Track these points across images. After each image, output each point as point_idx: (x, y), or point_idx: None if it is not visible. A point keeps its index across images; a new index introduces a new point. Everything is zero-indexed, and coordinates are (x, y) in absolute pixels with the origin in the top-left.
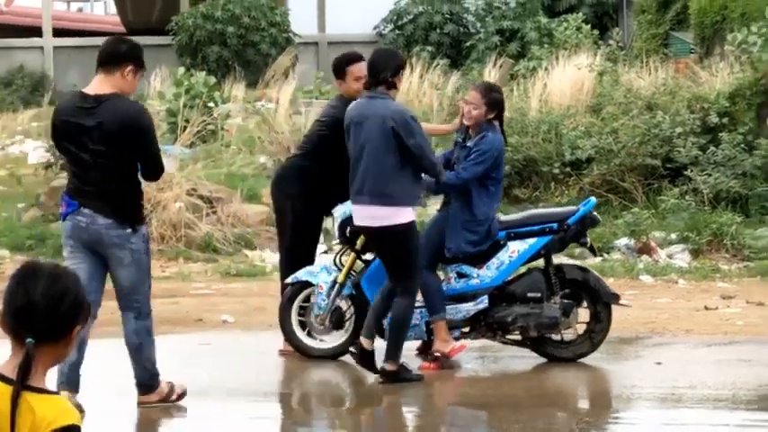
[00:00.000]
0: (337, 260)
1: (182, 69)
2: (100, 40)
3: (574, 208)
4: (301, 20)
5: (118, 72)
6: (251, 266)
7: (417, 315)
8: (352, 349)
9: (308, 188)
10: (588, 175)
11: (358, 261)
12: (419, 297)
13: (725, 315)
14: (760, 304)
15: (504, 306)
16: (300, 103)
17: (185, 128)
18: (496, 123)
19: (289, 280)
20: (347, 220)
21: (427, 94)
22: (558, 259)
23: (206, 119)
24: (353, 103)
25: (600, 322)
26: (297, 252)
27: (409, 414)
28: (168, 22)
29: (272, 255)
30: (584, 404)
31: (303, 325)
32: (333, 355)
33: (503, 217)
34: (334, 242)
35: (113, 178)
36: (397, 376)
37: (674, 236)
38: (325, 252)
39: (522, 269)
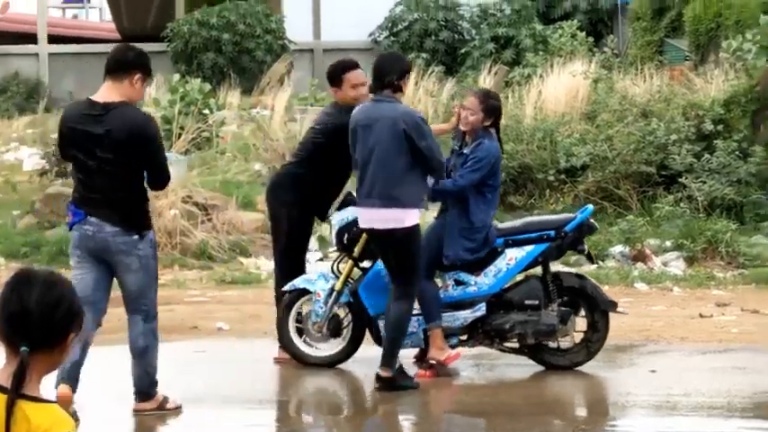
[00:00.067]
0: (335, 268)
1: (177, 76)
2: (95, 47)
3: (571, 215)
4: (296, 27)
5: (126, 80)
6: (246, 274)
7: (414, 323)
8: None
9: (302, 195)
10: (583, 183)
11: (355, 269)
12: (416, 305)
13: (720, 323)
14: (755, 312)
15: (502, 313)
16: (296, 110)
17: (180, 135)
18: (493, 131)
19: (286, 288)
20: (345, 228)
21: (422, 101)
22: (555, 267)
23: (201, 126)
24: (359, 107)
25: (597, 332)
26: (292, 258)
27: (405, 422)
28: (163, 29)
29: (267, 262)
30: (579, 412)
31: (300, 332)
32: (330, 363)
33: (500, 224)
34: (331, 249)
35: (120, 186)
36: (394, 383)
37: (668, 243)
38: (321, 260)
39: (520, 277)
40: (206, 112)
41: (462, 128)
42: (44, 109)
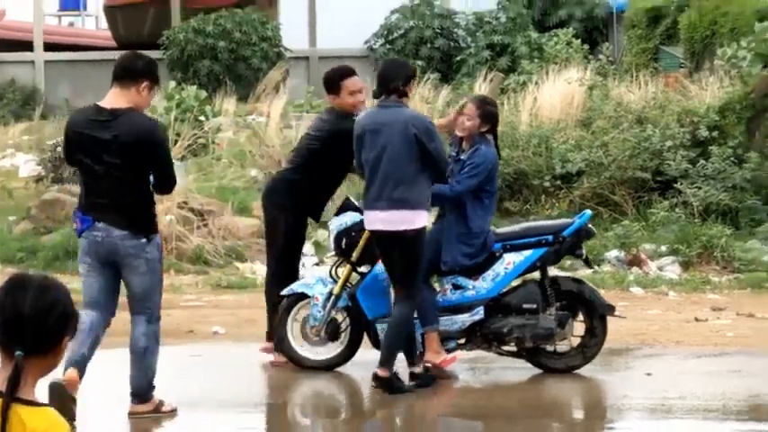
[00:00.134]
0: (333, 272)
1: (173, 83)
2: (91, 55)
3: (569, 220)
4: (292, 34)
5: (134, 87)
6: (242, 279)
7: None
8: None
9: (298, 201)
10: (578, 188)
11: (354, 273)
12: None
13: (715, 327)
14: (750, 316)
15: (500, 317)
16: (291, 117)
17: (176, 141)
18: (490, 137)
19: (285, 292)
20: (343, 233)
21: (418, 108)
22: (553, 271)
23: (197, 132)
24: (365, 113)
25: (594, 337)
26: (286, 263)
27: (402, 426)
28: (159, 37)
29: (262, 267)
30: (575, 415)
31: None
32: (328, 367)
33: (498, 229)
34: (329, 254)
35: (128, 191)
36: (391, 384)
37: (664, 248)
38: (317, 264)
39: (518, 281)
40: (202, 118)
41: (459, 134)
42: (40, 116)
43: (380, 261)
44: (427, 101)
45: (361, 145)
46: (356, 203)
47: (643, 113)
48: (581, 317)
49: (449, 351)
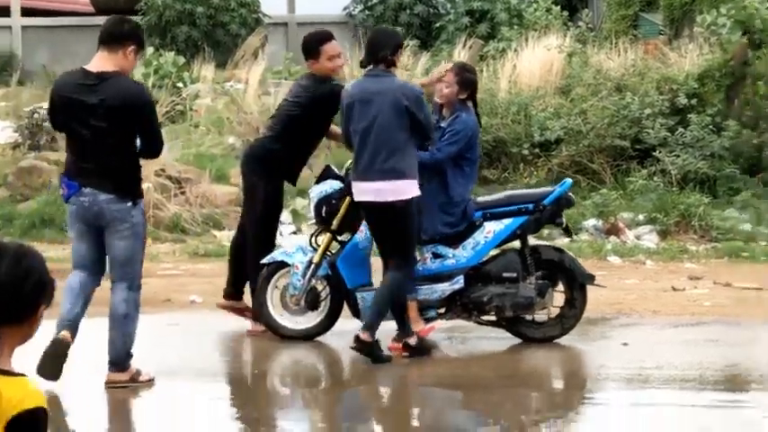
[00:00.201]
0: (313, 241)
1: (151, 49)
2: (68, 20)
3: (549, 189)
4: (271, 0)
5: (120, 51)
6: (219, 247)
7: None
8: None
9: (277, 168)
10: (557, 157)
11: (334, 242)
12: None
13: (692, 296)
14: (727, 285)
15: (480, 286)
16: (269, 83)
17: None
18: (470, 104)
19: (265, 260)
20: (323, 201)
21: (397, 75)
22: (533, 240)
23: (175, 99)
24: (353, 82)
25: (573, 308)
26: (266, 228)
27: (381, 395)
28: (137, 3)
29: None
30: (551, 385)
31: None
32: (307, 336)
33: (479, 198)
34: (310, 222)
35: (114, 155)
36: (371, 349)
37: (641, 217)
38: (294, 233)
39: (498, 250)
40: (180, 85)
41: (438, 100)
42: (17, 82)
43: (369, 232)
44: (406, 68)
45: (351, 115)
46: (337, 171)
47: (622, 81)
48: (561, 287)
49: (429, 320)
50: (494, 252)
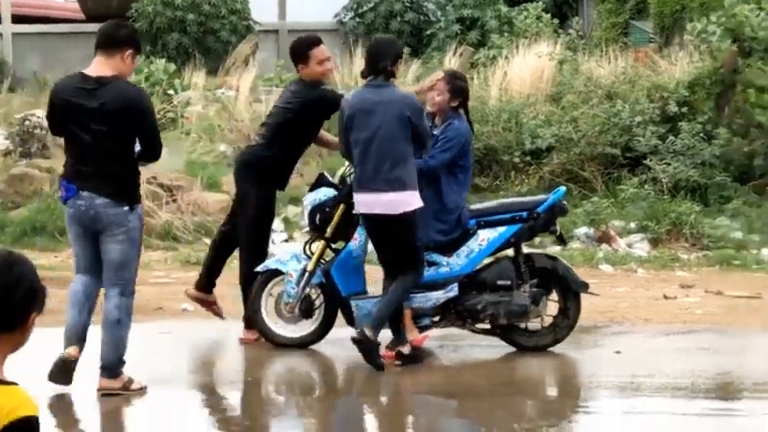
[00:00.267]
0: (307, 248)
1: (141, 57)
2: (60, 27)
3: (543, 197)
4: (262, 8)
5: (118, 55)
6: None
7: None
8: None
9: (269, 176)
10: (548, 164)
11: (328, 250)
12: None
13: (684, 304)
14: (718, 293)
15: (474, 294)
16: (261, 90)
17: None
18: (462, 112)
19: (259, 268)
20: (317, 208)
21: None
22: (527, 248)
23: (166, 106)
24: (353, 93)
25: (567, 318)
26: (258, 236)
27: (374, 403)
28: (128, 9)
29: None
30: (544, 393)
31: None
32: (302, 344)
33: (473, 205)
34: (304, 230)
35: (113, 159)
36: (371, 347)
37: (633, 225)
38: (286, 241)
39: (492, 258)
40: (171, 92)
41: (430, 108)
42: (8, 89)
43: (372, 241)
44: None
45: (351, 125)
46: (330, 179)
47: (613, 88)
48: (555, 296)
49: (423, 328)
50: (487, 260)
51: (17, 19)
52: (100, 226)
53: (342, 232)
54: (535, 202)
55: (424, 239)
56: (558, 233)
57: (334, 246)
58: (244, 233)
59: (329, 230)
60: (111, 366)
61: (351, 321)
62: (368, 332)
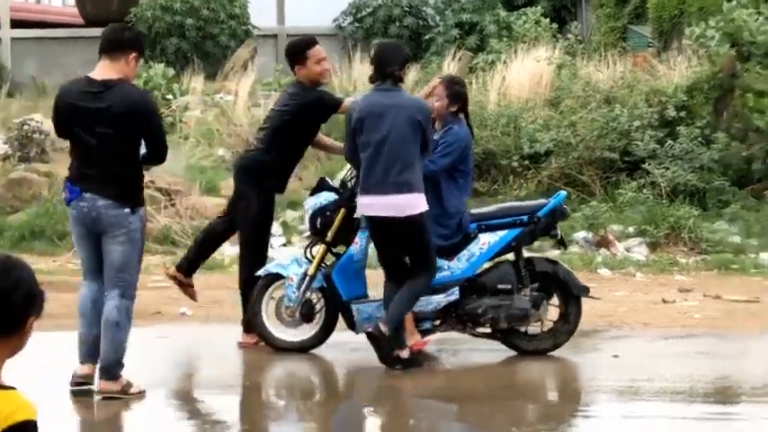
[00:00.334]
0: (308, 253)
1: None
2: (58, 32)
3: (544, 201)
4: (260, 12)
5: (122, 59)
6: (209, 259)
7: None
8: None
9: (269, 180)
10: (547, 169)
11: (329, 254)
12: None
13: (682, 308)
14: (717, 297)
15: (475, 298)
16: (259, 95)
17: None
18: (462, 116)
19: (260, 272)
20: (318, 212)
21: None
22: (528, 252)
23: (164, 111)
24: (362, 97)
25: (567, 324)
26: (258, 240)
27: (374, 407)
28: (127, 14)
29: (229, 248)
30: (543, 397)
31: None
32: (302, 348)
33: (474, 210)
34: (303, 234)
35: (118, 161)
36: (384, 341)
37: (631, 229)
38: (285, 245)
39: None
40: (169, 97)
41: None
42: (6, 94)
43: (376, 245)
44: None
45: (361, 128)
46: (331, 183)
47: (611, 93)
48: (555, 300)
49: (424, 332)
50: (488, 264)
51: (15, 24)
52: (101, 227)
53: (343, 236)
54: (536, 207)
55: None
56: (558, 237)
57: (334, 250)
58: (243, 237)
59: (330, 234)
60: (110, 368)
61: (351, 325)
62: (383, 327)
